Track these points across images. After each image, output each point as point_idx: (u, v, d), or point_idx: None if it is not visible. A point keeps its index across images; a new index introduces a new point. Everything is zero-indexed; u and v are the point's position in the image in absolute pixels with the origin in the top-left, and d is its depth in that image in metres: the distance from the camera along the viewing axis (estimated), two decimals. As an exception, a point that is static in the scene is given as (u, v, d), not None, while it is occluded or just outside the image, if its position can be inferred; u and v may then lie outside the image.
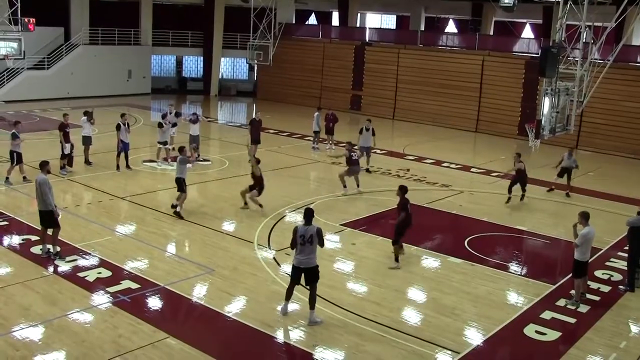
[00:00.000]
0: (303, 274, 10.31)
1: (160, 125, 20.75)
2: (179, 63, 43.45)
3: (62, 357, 9.06)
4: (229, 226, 15.33)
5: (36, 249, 12.83)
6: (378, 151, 23.38)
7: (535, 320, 10.93)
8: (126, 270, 12.13)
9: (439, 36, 36.88)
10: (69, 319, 10.12)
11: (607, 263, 13.85)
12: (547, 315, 11.15)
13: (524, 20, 42.15)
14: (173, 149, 19.80)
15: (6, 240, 13.50)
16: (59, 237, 12.71)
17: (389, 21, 51.44)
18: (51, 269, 12.06)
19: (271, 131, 27.56)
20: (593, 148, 27.06)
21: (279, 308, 10.67)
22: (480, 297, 11.82)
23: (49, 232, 12.57)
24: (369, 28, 39.86)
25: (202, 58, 40.94)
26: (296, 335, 10.06)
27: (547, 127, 16.85)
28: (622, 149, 26.74)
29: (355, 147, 19.60)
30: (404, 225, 13.01)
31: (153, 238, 14.05)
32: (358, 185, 18.24)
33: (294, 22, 41.57)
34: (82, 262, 12.41)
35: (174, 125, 21.43)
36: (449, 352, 9.75)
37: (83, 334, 9.69)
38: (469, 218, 16.83)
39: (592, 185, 20.75)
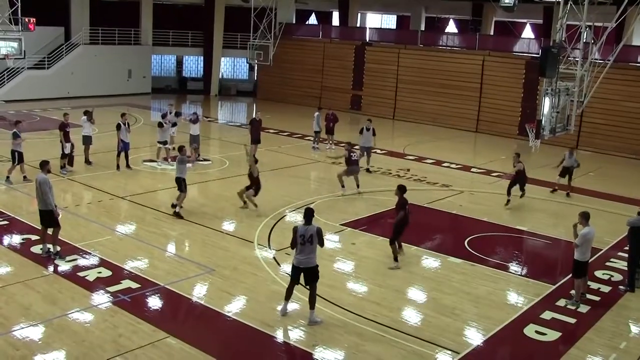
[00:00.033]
0: (303, 274, 10.31)
1: (160, 124, 20.76)
2: (179, 63, 43.47)
3: (62, 357, 9.06)
4: (229, 226, 15.33)
5: (36, 249, 12.84)
6: (378, 151, 23.38)
7: (535, 320, 10.93)
8: (126, 270, 12.13)
9: (439, 36, 36.87)
10: (69, 319, 10.13)
11: (608, 263, 13.84)
12: (547, 315, 11.15)
13: (525, 20, 42.17)
14: (173, 148, 19.81)
15: (6, 240, 13.50)
16: (59, 237, 12.70)
17: (389, 21, 51.46)
18: (51, 268, 12.06)
19: (271, 131, 27.56)
20: (593, 148, 27.05)
21: (279, 308, 10.67)
22: (480, 297, 11.82)
23: (49, 231, 12.57)
24: (369, 28, 39.86)
25: (202, 58, 40.94)
26: (296, 335, 10.06)
27: (547, 127, 16.86)
28: (622, 149, 26.75)
29: (356, 147, 19.61)
30: (402, 224, 13.01)
31: (153, 238, 14.05)
32: (358, 186, 18.22)
33: (294, 22, 41.58)
34: (82, 261, 12.41)
35: (174, 125, 21.45)
36: (449, 352, 9.75)
37: (83, 333, 9.69)
38: (469, 218, 16.83)
39: (593, 186, 20.75)
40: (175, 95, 38.50)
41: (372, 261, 13.33)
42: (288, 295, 10.59)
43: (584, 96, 18.35)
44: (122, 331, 9.77)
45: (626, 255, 13.10)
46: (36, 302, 10.62)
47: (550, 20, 33.69)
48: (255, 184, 15.94)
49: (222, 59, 41.48)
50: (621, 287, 12.56)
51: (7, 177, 17.58)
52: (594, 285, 12.49)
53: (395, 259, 13.01)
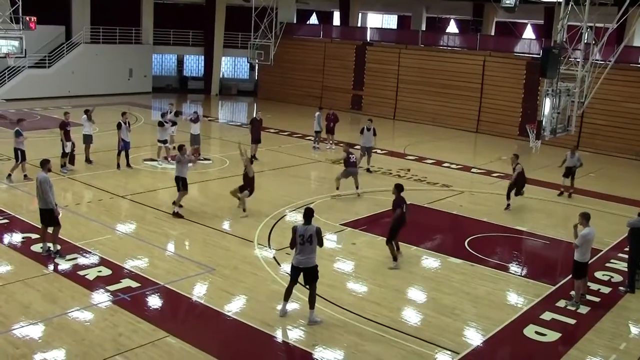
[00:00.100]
0: (302, 274, 10.31)
1: (160, 123, 20.76)
2: (180, 62, 43.47)
3: (62, 356, 9.06)
4: (229, 225, 15.33)
5: (36, 247, 12.84)
6: (379, 151, 23.39)
7: (535, 321, 10.93)
8: (126, 269, 12.13)
9: (440, 36, 36.86)
10: (69, 317, 10.13)
11: (608, 264, 13.84)
12: (547, 316, 11.15)
13: (525, 21, 42.18)
14: (174, 147, 19.82)
15: (7, 239, 13.51)
16: (59, 236, 12.71)
17: (390, 21, 51.46)
18: (51, 267, 12.07)
19: (272, 131, 27.56)
20: (594, 149, 27.04)
21: (279, 308, 10.67)
22: (480, 297, 11.82)
23: (50, 230, 12.57)
24: (370, 28, 39.83)
25: (203, 57, 40.94)
26: (296, 335, 10.06)
27: (548, 127, 16.85)
28: (623, 150, 26.75)
29: (356, 147, 19.59)
30: (398, 223, 12.96)
31: (153, 237, 14.05)
32: (357, 187, 18.17)
33: (295, 21, 41.57)
34: (82, 260, 12.41)
35: (174, 124, 21.45)
36: (449, 352, 9.75)
37: (83, 332, 9.70)
38: (469, 218, 16.83)
39: (593, 187, 20.74)
40: (176, 95, 38.54)
41: (372, 261, 13.33)
42: (287, 296, 10.57)
43: (585, 97, 18.34)
44: (122, 330, 9.78)
45: (626, 256, 13.10)
46: (36, 300, 10.62)
47: (551, 21, 33.70)
48: (249, 186, 15.88)
49: (223, 58, 41.47)
50: (621, 288, 12.55)
51: (9, 175, 17.61)
52: (594, 286, 12.49)
53: (395, 259, 13.00)
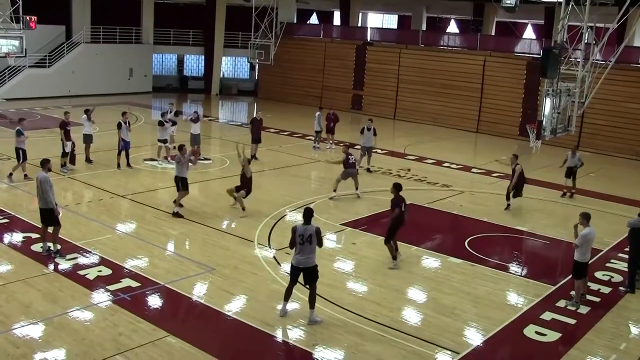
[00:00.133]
0: (302, 274, 10.31)
1: (160, 123, 20.77)
2: (180, 62, 43.48)
3: (62, 355, 9.06)
4: (229, 225, 15.33)
5: (37, 247, 12.84)
6: (379, 151, 23.39)
7: (535, 321, 10.93)
8: (126, 269, 12.13)
9: (441, 36, 36.86)
10: (69, 317, 10.13)
11: (608, 264, 13.84)
12: (547, 316, 11.15)
13: (526, 21, 42.16)
14: (174, 147, 19.82)
15: (7, 238, 13.51)
16: (60, 235, 12.71)
17: (390, 21, 51.45)
18: (52, 266, 12.07)
19: (272, 130, 27.56)
20: (594, 149, 27.03)
21: (279, 308, 10.67)
22: (480, 297, 11.82)
23: (50, 230, 12.57)
24: (371, 28, 39.84)
25: (203, 57, 40.94)
26: (296, 335, 10.06)
27: (548, 128, 16.86)
28: (623, 150, 26.75)
29: (357, 147, 19.58)
30: (397, 223, 12.93)
31: (153, 236, 14.06)
32: (357, 188, 18.12)
33: (295, 21, 41.58)
34: (82, 260, 12.41)
35: (174, 124, 21.45)
36: (449, 352, 9.75)
37: (83, 331, 9.70)
38: (469, 218, 16.83)
39: (593, 187, 20.73)
40: (176, 94, 38.55)
41: (372, 261, 13.33)
42: (287, 296, 10.57)
43: (585, 97, 18.34)
44: (122, 330, 9.78)
45: (626, 256, 13.10)
46: (36, 300, 10.63)
47: (551, 21, 33.68)
48: (246, 186, 15.88)
49: (223, 58, 41.47)
50: (621, 288, 12.55)
51: (10, 174, 17.62)
52: (594, 286, 12.49)
53: (394, 258, 13.00)
